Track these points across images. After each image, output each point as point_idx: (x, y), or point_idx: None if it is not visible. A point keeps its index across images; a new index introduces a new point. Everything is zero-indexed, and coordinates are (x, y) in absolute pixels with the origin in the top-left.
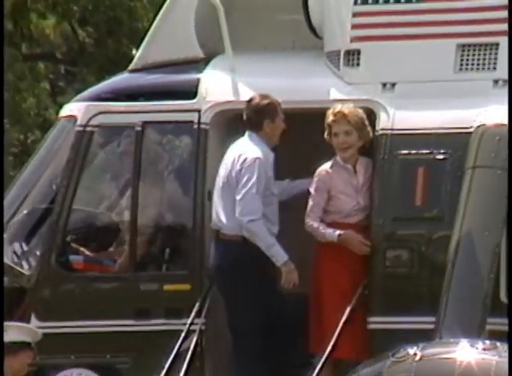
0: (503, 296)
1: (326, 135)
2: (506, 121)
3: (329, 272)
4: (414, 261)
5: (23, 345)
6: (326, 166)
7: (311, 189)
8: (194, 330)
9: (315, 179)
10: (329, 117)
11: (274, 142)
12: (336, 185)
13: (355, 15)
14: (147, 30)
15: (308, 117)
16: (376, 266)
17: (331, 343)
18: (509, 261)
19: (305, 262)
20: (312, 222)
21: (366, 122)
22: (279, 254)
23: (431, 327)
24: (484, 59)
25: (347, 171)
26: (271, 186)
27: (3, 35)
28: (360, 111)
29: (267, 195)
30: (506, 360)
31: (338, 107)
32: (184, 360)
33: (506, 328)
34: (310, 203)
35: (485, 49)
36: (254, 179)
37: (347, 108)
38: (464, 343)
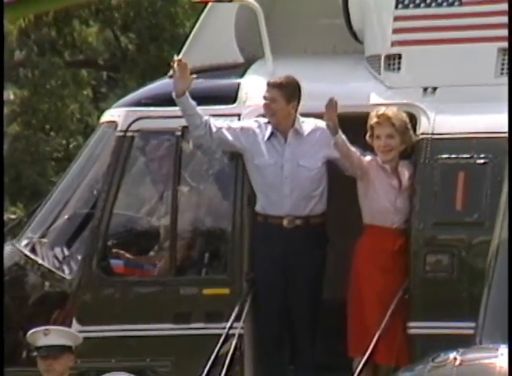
0: None
1: (367, 136)
2: None
3: (365, 274)
4: (454, 266)
5: (65, 349)
6: (369, 157)
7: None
8: (233, 334)
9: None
10: (373, 119)
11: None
12: (372, 180)
13: (396, 19)
14: (188, 36)
15: (348, 121)
16: (416, 271)
17: (370, 348)
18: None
19: (342, 267)
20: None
21: (409, 126)
22: None
23: (471, 332)
24: None
25: (386, 171)
26: (263, 155)
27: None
28: (404, 115)
29: (258, 164)
30: None
31: (382, 110)
32: (223, 364)
33: None
34: None
35: None
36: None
37: (391, 111)
38: (504, 349)
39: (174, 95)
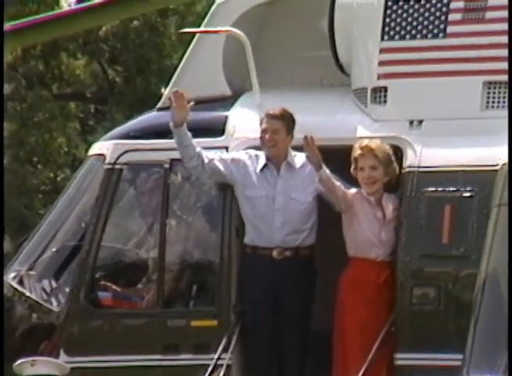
0: None
1: (352, 169)
2: None
3: (348, 306)
4: (441, 298)
5: None
6: (354, 190)
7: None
8: (221, 365)
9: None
10: (357, 152)
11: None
12: (357, 212)
13: (381, 51)
14: (176, 68)
15: (335, 154)
16: (403, 303)
17: None
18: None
19: (328, 298)
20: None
21: (393, 158)
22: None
23: (458, 364)
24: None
25: (370, 203)
26: (254, 186)
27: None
28: (387, 147)
29: (249, 196)
30: None
31: (365, 142)
32: None
33: None
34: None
35: None
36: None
37: (374, 143)
38: None
39: (171, 125)
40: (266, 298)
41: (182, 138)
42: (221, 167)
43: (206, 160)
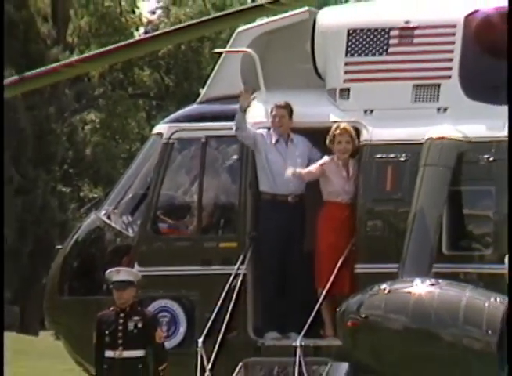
0: (444, 249)
1: (328, 142)
2: (446, 135)
3: (321, 232)
4: (386, 227)
5: (130, 283)
6: (327, 158)
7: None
8: (239, 274)
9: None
10: (336, 131)
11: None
12: (329, 172)
13: (346, 64)
14: (209, 76)
15: (315, 132)
16: (360, 231)
17: (329, 283)
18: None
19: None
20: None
21: (355, 136)
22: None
23: (396, 271)
24: (431, 95)
25: (338, 166)
26: (273, 152)
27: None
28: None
29: (270, 159)
30: (444, 292)
31: (343, 124)
32: (233, 294)
33: (446, 271)
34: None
35: (431, 88)
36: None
37: (347, 126)
38: (417, 281)
39: (239, 109)
40: (283, 227)
41: (243, 118)
42: (257, 137)
43: (251, 132)
